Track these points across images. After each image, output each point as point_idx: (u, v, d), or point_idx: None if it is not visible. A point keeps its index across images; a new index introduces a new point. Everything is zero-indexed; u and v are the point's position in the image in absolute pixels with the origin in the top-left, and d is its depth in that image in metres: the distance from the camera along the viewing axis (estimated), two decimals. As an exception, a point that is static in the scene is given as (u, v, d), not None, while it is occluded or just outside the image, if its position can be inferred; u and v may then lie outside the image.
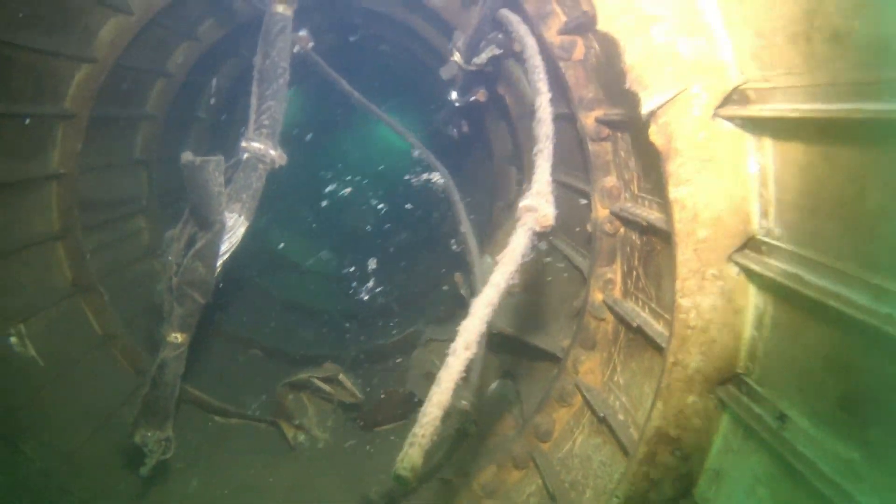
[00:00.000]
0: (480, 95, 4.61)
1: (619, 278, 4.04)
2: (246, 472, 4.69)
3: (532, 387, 4.59)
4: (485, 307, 2.61)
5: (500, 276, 2.66)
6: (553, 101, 4.28)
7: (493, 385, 5.04)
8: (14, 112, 4.03)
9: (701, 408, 2.94)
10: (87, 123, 4.58)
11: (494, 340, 4.72)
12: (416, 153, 4.77)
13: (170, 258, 3.78)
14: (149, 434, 3.76)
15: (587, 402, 3.90)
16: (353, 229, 7.73)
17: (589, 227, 4.21)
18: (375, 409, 5.24)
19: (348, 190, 7.75)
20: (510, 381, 4.91)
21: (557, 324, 4.54)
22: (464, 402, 4.23)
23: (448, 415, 4.30)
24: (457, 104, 4.76)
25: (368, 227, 8.02)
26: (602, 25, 2.71)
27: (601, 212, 4.07)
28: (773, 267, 2.69)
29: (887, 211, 2.26)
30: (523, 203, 2.86)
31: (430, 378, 5.04)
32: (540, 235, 2.82)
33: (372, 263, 7.52)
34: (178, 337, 3.78)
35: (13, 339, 4.09)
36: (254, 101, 3.98)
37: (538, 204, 2.82)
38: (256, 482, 4.56)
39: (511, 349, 4.72)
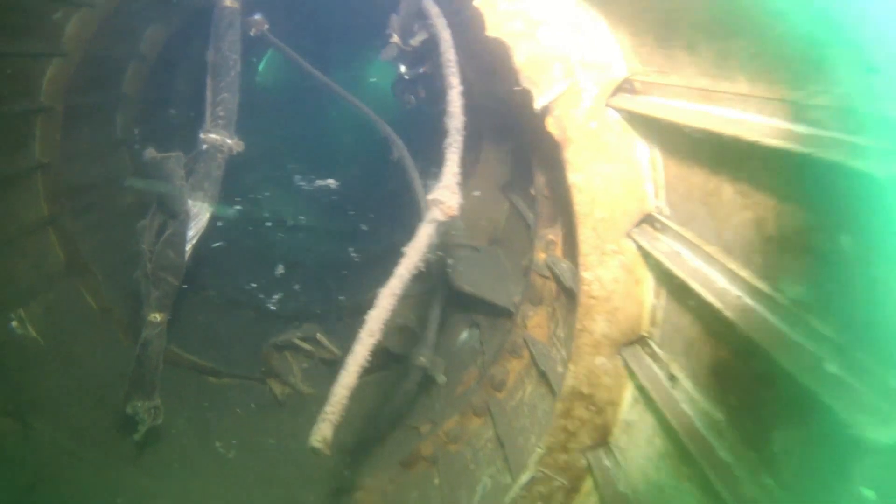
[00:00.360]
0: (427, 68, 4.78)
1: (560, 239, 4.29)
2: (239, 426, 5.16)
3: (494, 338, 4.92)
4: (389, 297, 2.95)
5: (404, 268, 2.97)
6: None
7: (463, 335, 5.37)
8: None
9: (610, 367, 3.24)
10: (65, 113, 4.85)
11: (458, 295, 5.05)
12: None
13: (143, 246, 4.12)
14: (139, 404, 4.19)
15: (532, 356, 4.22)
16: (338, 183, 7.85)
17: (532, 191, 4.45)
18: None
19: (333, 145, 7.84)
20: (477, 332, 5.24)
21: (514, 279, 4.83)
22: (421, 359, 4.57)
23: (413, 370, 4.68)
24: (406, 76, 4.94)
25: (351, 181, 8.13)
26: (491, 31, 2.88)
27: (540, 178, 4.29)
28: (660, 245, 2.94)
29: (738, 205, 2.50)
30: (431, 196, 3.14)
31: (404, 331, 5.41)
32: (445, 224, 3.10)
33: (355, 217, 7.75)
34: (157, 316, 4.15)
35: (14, 324, 4.49)
36: (209, 94, 4.24)
37: (444, 196, 3.09)
38: (248, 435, 5.02)
39: (475, 303, 5.02)
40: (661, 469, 2.97)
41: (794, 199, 2.09)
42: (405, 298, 5.60)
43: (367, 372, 5.77)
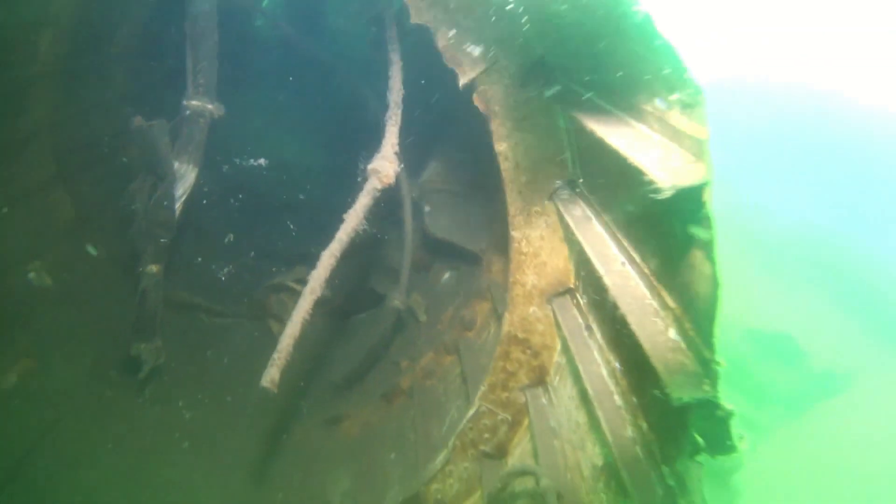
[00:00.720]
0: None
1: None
2: (239, 361, 5.64)
3: (468, 281, 5.25)
4: (329, 259, 3.30)
5: (344, 232, 3.32)
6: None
7: (445, 277, 5.71)
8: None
9: (542, 315, 3.57)
10: (64, 76, 5.17)
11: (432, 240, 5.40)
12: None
13: (136, 206, 4.53)
14: (142, 346, 4.70)
15: (493, 300, 4.55)
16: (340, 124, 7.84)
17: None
18: (345, 302, 6.07)
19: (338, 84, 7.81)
20: (457, 274, 5.57)
21: (485, 226, 5.12)
22: (395, 302, 4.94)
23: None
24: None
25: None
26: (415, 18, 3.12)
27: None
28: (575, 210, 3.23)
29: (617, 184, 2.76)
30: (370, 166, 3.46)
31: (392, 273, 5.75)
32: (383, 190, 3.42)
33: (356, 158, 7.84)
34: (153, 268, 4.60)
35: (31, 275, 4.99)
36: (189, 63, 4.54)
37: (382, 166, 3.40)
38: (247, 369, 5.48)
39: (448, 247, 5.35)
40: (580, 409, 3.33)
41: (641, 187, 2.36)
42: (393, 242, 5.96)
43: (358, 311, 6.23)
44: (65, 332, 4.91)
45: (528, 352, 3.66)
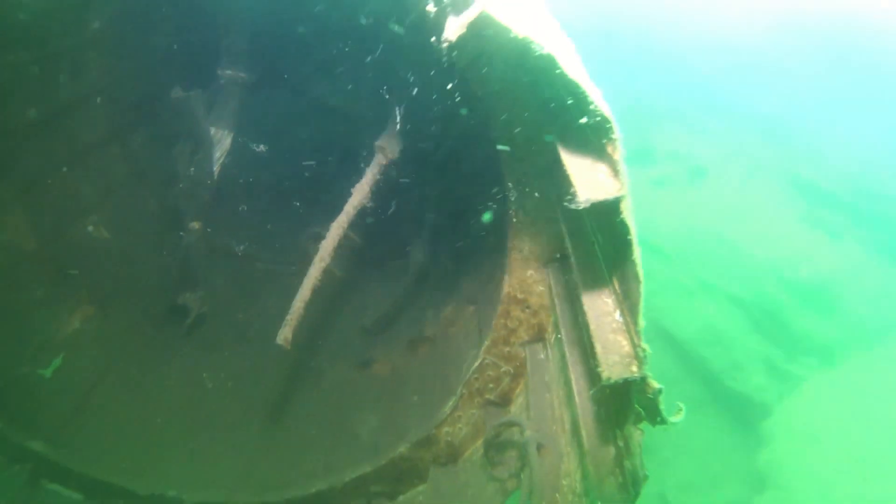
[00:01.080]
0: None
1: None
2: (281, 306, 6.06)
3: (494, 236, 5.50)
4: (338, 229, 3.61)
5: (351, 205, 3.61)
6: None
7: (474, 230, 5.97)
8: (47, 52, 5.02)
9: (539, 278, 3.83)
10: (115, 41, 5.53)
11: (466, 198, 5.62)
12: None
13: (178, 168, 4.93)
14: (187, 295, 5.18)
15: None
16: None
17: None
18: (379, 251, 6.42)
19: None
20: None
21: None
22: (419, 255, 5.24)
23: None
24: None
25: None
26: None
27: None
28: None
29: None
30: (377, 143, 3.73)
31: (422, 226, 6.02)
32: (389, 164, 3.69)
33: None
34: (195, 225, 5.03)
35: (90, 228, 5.47)
36: (223, 33, 4.85)
37: (387, 144, 3.66)
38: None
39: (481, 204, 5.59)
40: (567, 365, 3.60)
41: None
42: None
43: (393, 259, 6.55)
44: (120, 281, 5.41)
45: (528, 310, 3.93)
